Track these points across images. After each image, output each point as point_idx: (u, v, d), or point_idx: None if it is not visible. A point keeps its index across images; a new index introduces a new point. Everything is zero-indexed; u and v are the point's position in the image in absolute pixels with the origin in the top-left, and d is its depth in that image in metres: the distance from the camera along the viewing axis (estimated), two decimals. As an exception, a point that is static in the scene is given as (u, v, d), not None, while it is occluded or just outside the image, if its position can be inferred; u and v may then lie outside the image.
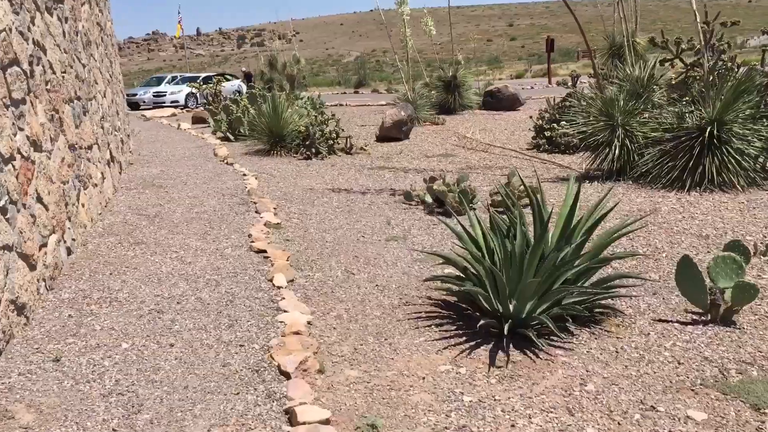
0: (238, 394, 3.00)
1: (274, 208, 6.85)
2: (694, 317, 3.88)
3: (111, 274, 4.76)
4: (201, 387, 3.07)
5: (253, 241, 5.44)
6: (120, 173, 8.82)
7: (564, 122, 10.10)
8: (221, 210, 6.78)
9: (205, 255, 5.18)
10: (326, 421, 2.72)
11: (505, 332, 3.39)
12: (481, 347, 3.54)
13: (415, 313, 4.04)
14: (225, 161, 10.34)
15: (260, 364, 3.29)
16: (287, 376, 3.11)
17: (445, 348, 3.54)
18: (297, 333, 3.56)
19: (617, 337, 3.62)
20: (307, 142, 11.00)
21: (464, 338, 3.66)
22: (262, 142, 11.64)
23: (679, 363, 3.31)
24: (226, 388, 3.05)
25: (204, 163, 10.27)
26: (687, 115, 7.57)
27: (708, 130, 7.14)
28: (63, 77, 5.67)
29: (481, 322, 3.48)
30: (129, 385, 3.10)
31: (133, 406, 2.91)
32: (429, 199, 6.96)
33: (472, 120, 15.48)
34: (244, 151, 11.79)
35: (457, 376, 3.22)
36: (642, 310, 4.00)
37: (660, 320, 3.85)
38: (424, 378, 3.20)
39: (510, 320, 3.51)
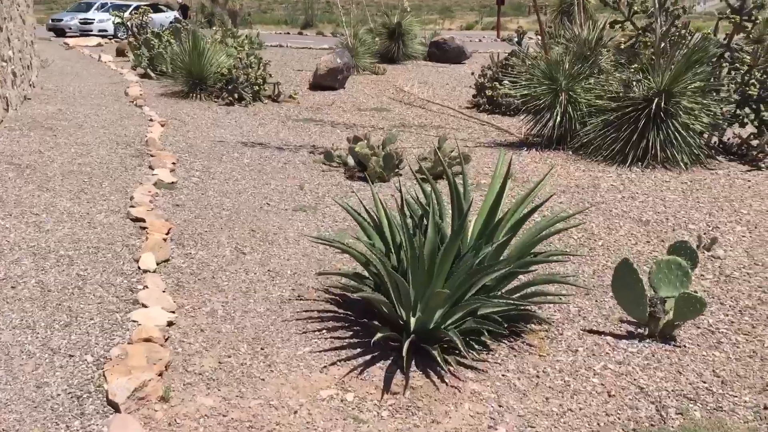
0: (41, 435, 2.28)
1: (173, 164, 6.00)
2: (630, 329, 3.33)
3: (-56, 242, 3.91)
4: (-5, 422, 2.34)
5: (132, 206, 4.62)
6: (6, 110, 7.74)
7: (507, 82, 9.43)
8: (110, 163, 5.89)
9: (70, 221, 4.35)
10: (147, 485, 2.04)
11: (404, 352, 2.74)
12: (378, 363, 2.91)
13: (306, 311, 3.36)
14: (135, 102, 9.31)
15: (86, 386, 2.55)
16: (116, 408, 2.40)
17: (332, 363, 2.89)
18: (148, 340, 2.84)
19: (540, 355, 3.04)
20: (229, 87, 10.05)
21: (359, 350, 3.01)
22: (181, 83, 10.60)
23: (609, 395, 2.75)
24: (28, 425, 2.32)
25: (111, 103, 9.22)
26: (634, 83, 7.01)
27: (655, 101, 6.61)
28: None
29: (378, 335, 2.82)
30: None
31: None
32: (351, 161, 6.23)
33: (415, 71, 14.67)
34: (162, 91, 10.72)
35: (341, 407, 2.58)
36: (571, 317, 3.44)
37: (591, 331, 3.30)
38: (296, 411, 2.53)
39: (413, 333, 2.87)
